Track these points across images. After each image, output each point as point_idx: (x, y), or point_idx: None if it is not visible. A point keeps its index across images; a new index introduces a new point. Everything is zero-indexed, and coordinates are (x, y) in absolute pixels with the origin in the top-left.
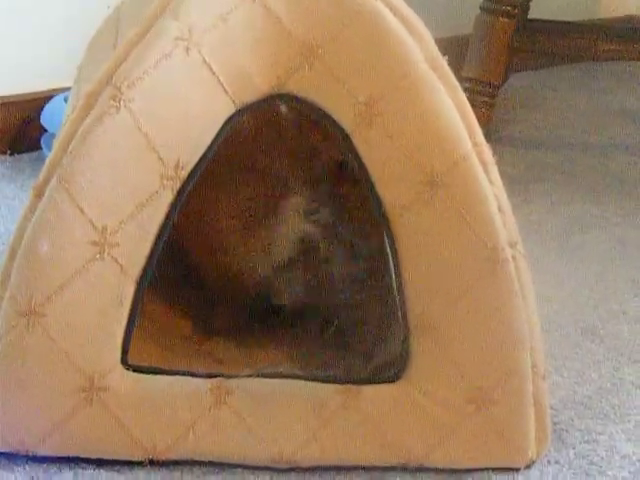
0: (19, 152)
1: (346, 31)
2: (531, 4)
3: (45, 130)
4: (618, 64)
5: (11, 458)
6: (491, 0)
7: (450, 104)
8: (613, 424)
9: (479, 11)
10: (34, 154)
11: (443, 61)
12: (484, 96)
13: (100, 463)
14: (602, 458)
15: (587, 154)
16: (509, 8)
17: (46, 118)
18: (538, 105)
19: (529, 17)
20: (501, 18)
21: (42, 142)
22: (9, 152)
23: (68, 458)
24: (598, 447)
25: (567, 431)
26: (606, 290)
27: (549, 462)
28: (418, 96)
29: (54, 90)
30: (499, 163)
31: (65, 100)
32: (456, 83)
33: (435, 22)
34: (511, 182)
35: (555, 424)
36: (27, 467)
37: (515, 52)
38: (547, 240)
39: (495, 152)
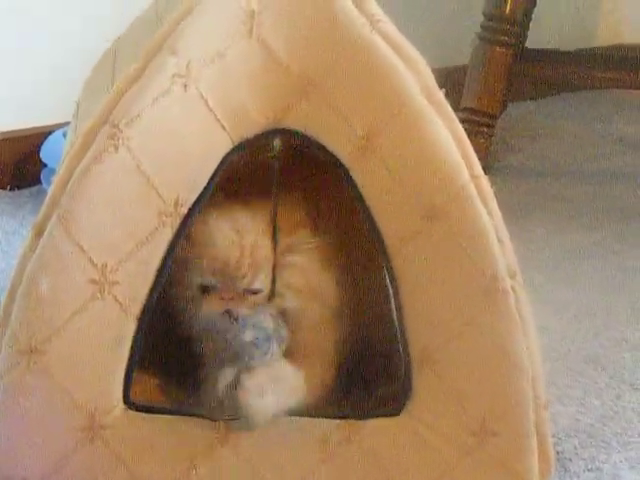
0: (19, 187)
1: (342, 64)
2: (528, 33)
3: (45, 165)
4: (615, 92)
5: None
6: (488, 30)
7: (447, 136)
8: (616, 452)
9: (476, 41)
10: (34, 189)
11: (440, 93)
12: (482, 126)
13: None
14: None
15: (586, 182)
16: (506, 38)
17: (45, 153)
18: (536, 134)
19: (527, 46)
20: (498, 48)
21: (42, 177)
22: (9, 187)
23: None
24: (602, 475)
25: (571, 460)
26: (607, 318)
27: None
28: (415, 129)
29: (53, 125)
30: (498, 192)
31: (64, 135)
32: (453, 115)
33: (432, 52)
34: (510, 211)
35: (559, 453)
36: None
37: (513, 81)
38: (546, 268)
39: (494, 182)
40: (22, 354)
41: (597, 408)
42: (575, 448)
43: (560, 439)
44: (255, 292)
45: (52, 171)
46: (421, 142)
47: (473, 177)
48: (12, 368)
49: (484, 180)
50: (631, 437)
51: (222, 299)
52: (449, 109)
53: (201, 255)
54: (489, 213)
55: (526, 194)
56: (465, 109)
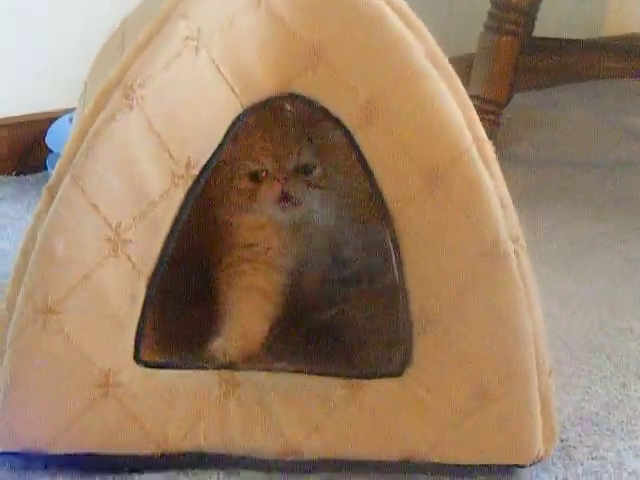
0: (24, 173)
1: (349, 32)
2: (536, 23)
3: (50, 151)
4: (622, 82)
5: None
6: (495, 19)
7: (451, 100)
8: (621, 440)
9: (483, 30)
10: (39, 175)
11: (443, 56)
12: (489, 114)
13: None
14: (610, 475)
15: (592, 172)
16: (513, 27)
17: (51, 139)
18: (542, 123)
19: (534, 35)
20: (505, 37)
21: (47, 163)
22: (14, 173)
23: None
24: (606, 464)
25: (575, 448)
26: (613, 307)
27: (557, 479)
28: (417, 91)
29: (59, 111)
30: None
31: (70, 120)
32: (457, 79)
33: (440, 41)
34: (515, 200)
35: (562, 441)
36: None
37: (519, 70)
38: (552, 258)
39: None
40: (37, 314)
41: (602, 397)
42: (579, 436)
43: (565, 427)
44: (307, 171)
45: (57, 157)
46: (424, 105)
47: (476, 140)
48: (27, 328)
49: (487, 144)
50: (635, 425)
51: (277, 180)
52: (453, 74)
53: (251, 143)
54: (492, 176)
55: (532, 184)
56: (472, 97)
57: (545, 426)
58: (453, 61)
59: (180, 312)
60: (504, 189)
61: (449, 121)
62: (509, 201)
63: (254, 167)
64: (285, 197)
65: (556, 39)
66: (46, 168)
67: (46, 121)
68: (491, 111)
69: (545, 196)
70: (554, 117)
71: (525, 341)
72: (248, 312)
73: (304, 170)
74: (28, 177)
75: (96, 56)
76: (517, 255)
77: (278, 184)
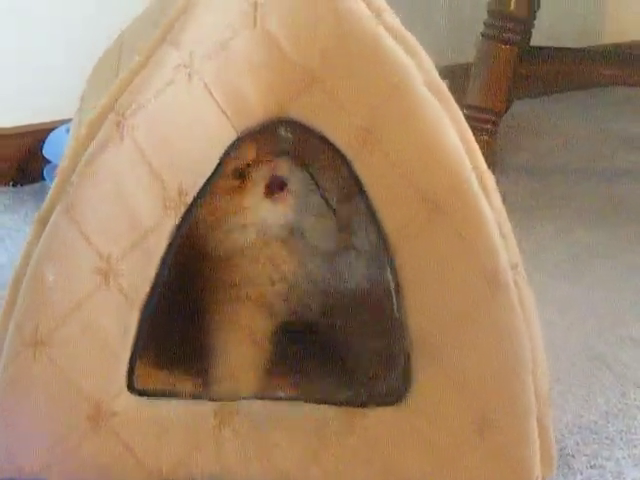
0: (22, 184)
1: (346, 56)
2: (533, 31)
3: (48, 161)
4: (622, 90)
5: None
6: (493, 27)
7: (450, 128)
8: (619, 449)
9: (481, 38)
10: (36, 185)
11: (442, 84)
12: (486, 124)
13: None
14: None
15: (592, 181)
16: (511, 35)
17: (48, 149)
18: (541, 132)
19: (531, 44)
20: (503, 45)
21: (44, 173)
22: (12, 184)
23: None
24: (605, 473)
25: (573, 456)
26: (613, 316)
27: None
28: (417, 120)
29: (56, 122)
30: (503, 192)
31: (67, 131)
32: (456, 107)
33: (436, 50)
34: (515, 210)
35: (561, 449)
36: None
37: (518, 79)
38: (552, 267)
39: (498, 180)
40: (27, 345)
41: (601, 405)
42: (578, 444)
43: (563, 435)
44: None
45: (55, 167)
46: (423, 133)
47: (476, 170)
48: (17, 358)
49: (487, 174)
50: (635, 434)
51: (264, 162)
52: (452, 101)
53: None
54: (492, 207)
55: (531, 193)
56: (469, 107)
57: (543, 452)
58: (450, 70)
59: (174, 339)
60: (504, 219)
61: (449, 148)
62: (509, 231)
63: (238, 163)
64: (275, 181)
65: (554, 48)
66: (44, 179)
67: (43, 131)
68: (489, 120)
69: (544, 204)
70: (553, 125)
71: (524, 369)
72: (236, 359)
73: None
74: (25, 188)
75: (92, 70)
76: (516, 284)
77: (267, 165)
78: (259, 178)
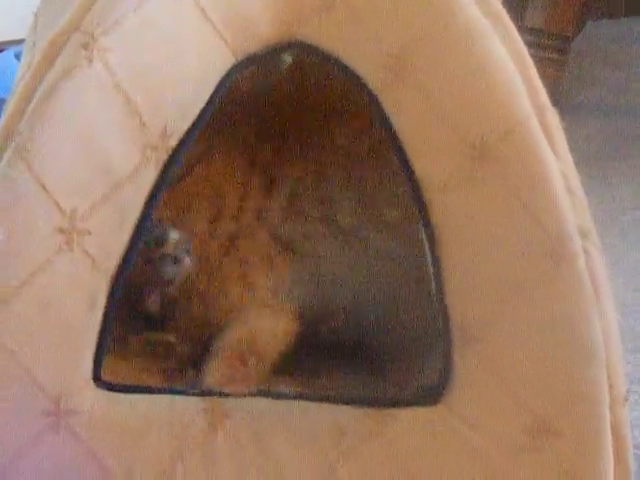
0: None
1: None
2: None
3: None
4: None
5: None
6: None
7: (504, 55)
8: None
9: None
10: None
11: (497, 2)
12: (552, 52)
13: None
14: None
15: None
16: None
17: None
18: (622, 62)
19: None
20: None
21: None
22: None
23: None
24: None
25: None
26: None
27: None
28: (463, 44)
29: (2, 43)
30: (571, 136)
31: (16, 57)
32: (513, 29)
33: None
34: (586, 160)
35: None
36: None
37: None
38: (631, 233)
39: (566, 122)
40: None
41: None
42: None
43: None
44: None
45: (2, 102)
46: (469, 61)
47: (536, 107)
48: None
49: (550, 112)
50: None
51: None
52: (509, 22)
53: None
54: (556, 155)
55: (607, 139)
56: (530, 30)
57: (618, 468)
58: None
59: (154, 317)
60: (572, 171)
61: (502, 84)
62: (578, 186)
63: None
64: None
65: None
66: None
67: None
68: (555, 47)
69: (623, 154)
70: (633, 53)
71: (594, 362)
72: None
73: None
74: None
75: None
76: (587, 254)
77: None
78: None
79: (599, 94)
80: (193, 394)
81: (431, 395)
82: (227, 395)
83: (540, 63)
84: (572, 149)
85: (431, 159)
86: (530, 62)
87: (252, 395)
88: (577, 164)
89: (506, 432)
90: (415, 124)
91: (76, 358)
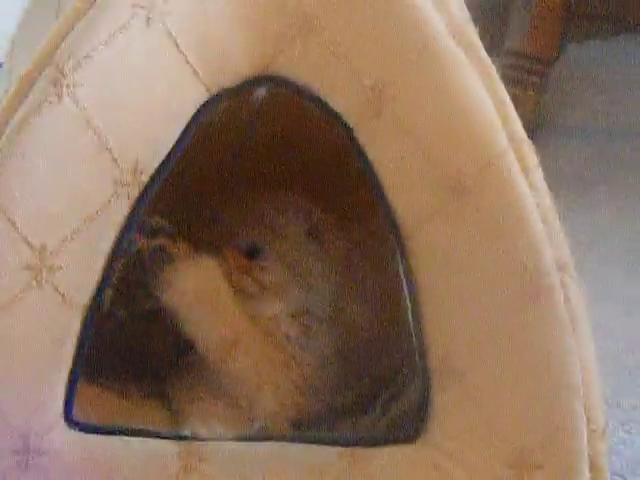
0: None
1: None
2: None
3: None
4: None
5: None
6: None
7: (481, 88)
8: None
9: None
10: None
11: (473, 33)
12: (533, 75)
13: None
14: None
15: None
16: None
17: None
18: (603, 85)
19: None
20: None
21: None
22: None
23: None
24: None
25: None
26: None
27: None
28: (438, 77)
29: None
30: (552, 158)
31: None
32: (488, 61)
33: None
34: (568, 182)
35: None
36: None
37: (573, 17)
38: (613, 257)
39: (548, 145)
40: None
41: None
42: None
43: (623, 476)
44: None
45: None
46: (446, 94)
47: (512, 141)
48: None
49: (526, 146)
50: None
51: None
52: (484, 53)
53: None
54: (532, 187)
55: (589, 161)
56: (510, 52)
57: None
58: (485, 5)
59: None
60: (548, 202)
61: (478, 117)
62: (554, 218)
63: None
64: None
65: None
66: None
67: None
68: (536, 70)
69: (605, 176)
70: (616, 75)
71: (572, 396)
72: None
73: None
74: None
75: (27, 6)
76: (564, 287)
77: None
78: None
79: (581, 117)
80: (168, 437)
81: (409, 431)
82: (203, 439)
83: (521, 85)
84: (553, 172)
85: (408, 191)
86: (505, 94)
87: (229, 440)
88: (558, 187)
89: (488, 465)
90: (392, 157)
91: (45, 397)
